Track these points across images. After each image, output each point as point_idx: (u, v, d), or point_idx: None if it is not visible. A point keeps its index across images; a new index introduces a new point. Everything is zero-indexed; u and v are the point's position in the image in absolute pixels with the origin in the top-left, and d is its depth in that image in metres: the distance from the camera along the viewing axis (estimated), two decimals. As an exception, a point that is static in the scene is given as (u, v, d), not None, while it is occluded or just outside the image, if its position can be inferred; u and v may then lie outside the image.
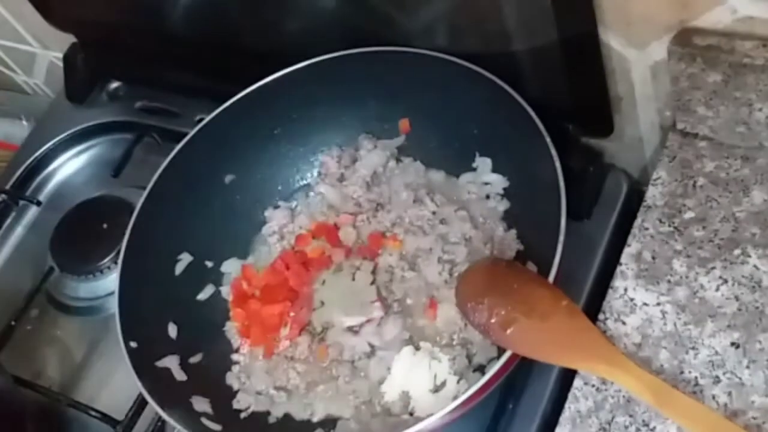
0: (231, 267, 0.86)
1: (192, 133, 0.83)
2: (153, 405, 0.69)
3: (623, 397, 0.63)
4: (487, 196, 0.80)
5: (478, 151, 0.81)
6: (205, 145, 0.84)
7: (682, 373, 0.62)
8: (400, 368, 0.73)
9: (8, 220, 1.05)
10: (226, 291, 0.84)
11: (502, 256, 0.76)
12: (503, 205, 0.79)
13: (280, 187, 0.89)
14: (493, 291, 0.67)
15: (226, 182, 0.87)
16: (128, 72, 1.07)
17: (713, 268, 0.66)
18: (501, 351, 0.65)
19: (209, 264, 0.85)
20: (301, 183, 0.90)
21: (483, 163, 0.81)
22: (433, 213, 0.80)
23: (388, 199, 0.84)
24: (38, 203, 1.05)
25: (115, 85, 1.09)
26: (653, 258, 0.68)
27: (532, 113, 0.71)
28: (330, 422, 0.74)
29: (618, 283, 0.68)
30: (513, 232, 0.77)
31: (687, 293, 0.65)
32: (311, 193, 0.88)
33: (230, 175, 0.87)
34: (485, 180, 0.81)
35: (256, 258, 0.86)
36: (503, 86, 0.73)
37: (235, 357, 0.81)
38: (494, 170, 0.80)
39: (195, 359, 0.78)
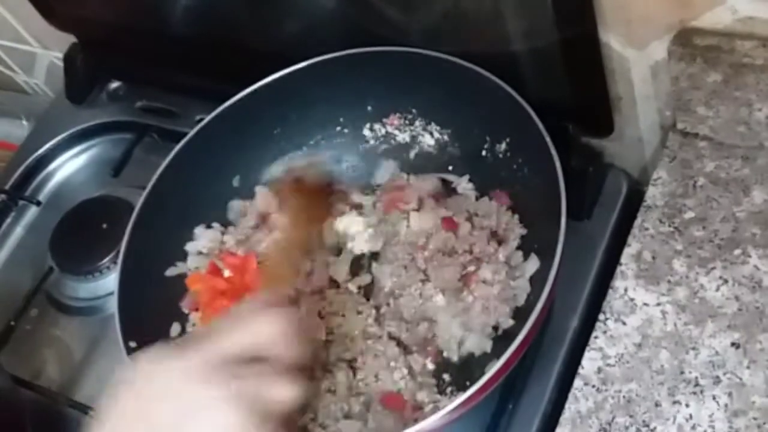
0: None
1: (192, 133, 0.83)
2: (153, 405, 0.69)
3: (623, 397, 0.63)
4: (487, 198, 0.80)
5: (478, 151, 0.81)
6: (205, 145, 0.84)
7: (682, 373, 0.62)
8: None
9: (8, 220, 1.05)
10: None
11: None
12: (503, 207, 0.79)
13: (279, 187, 0.89)
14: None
15: (226, 182, 0.87)
16: (128, 72, 1.07)
17: (713, 268, 0.66)
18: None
19: (209, 264, 0.85)
20: (301, 183, 0.89)
21: (483, 164, 0.81)
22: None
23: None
24: (38, 203, 1.05)
25: (115, 85, 1.09)
26: (653, 258, 0.68)
27: (532, 113, 0.71)
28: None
29: (618, 283, 0.68)
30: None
31: (687, 293, 0.65)
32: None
33: (230, 175, 0.87)
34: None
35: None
36: (503, 86, 0.73)
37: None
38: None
39: (195, 359, 0.78)
